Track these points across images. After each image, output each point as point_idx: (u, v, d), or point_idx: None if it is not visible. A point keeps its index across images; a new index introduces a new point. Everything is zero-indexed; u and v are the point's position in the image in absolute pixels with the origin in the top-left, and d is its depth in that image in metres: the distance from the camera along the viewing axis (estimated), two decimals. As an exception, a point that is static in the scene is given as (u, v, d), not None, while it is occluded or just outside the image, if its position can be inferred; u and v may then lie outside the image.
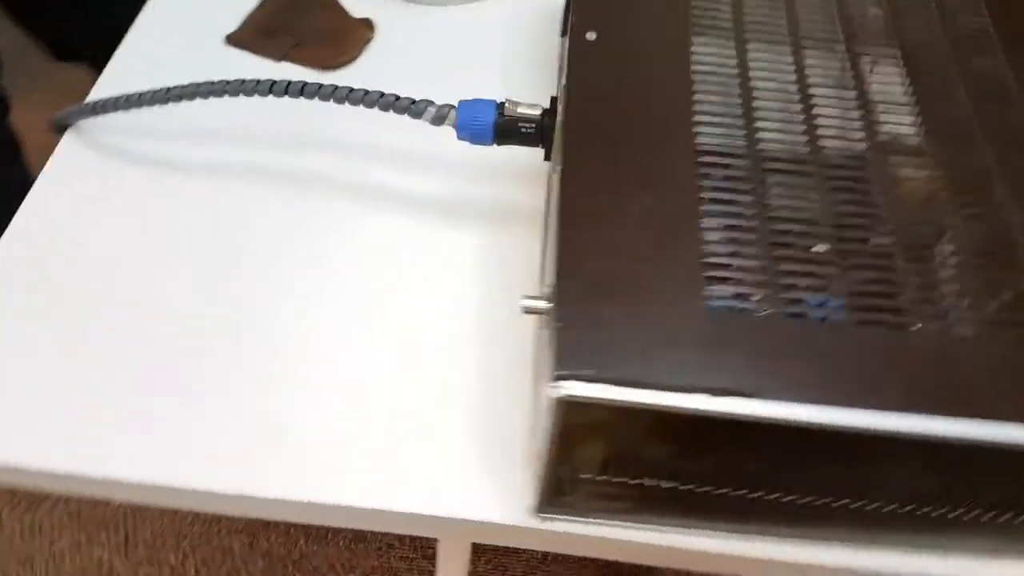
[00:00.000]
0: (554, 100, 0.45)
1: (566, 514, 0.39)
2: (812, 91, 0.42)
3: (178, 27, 0.58)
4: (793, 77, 0.42)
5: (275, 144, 0.53)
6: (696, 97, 0.41)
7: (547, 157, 0.47)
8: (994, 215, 0.37)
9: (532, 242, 0.49)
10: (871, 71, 0.43)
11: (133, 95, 0.48)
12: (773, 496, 0.36)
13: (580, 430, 0.33)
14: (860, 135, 0.40)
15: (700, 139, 0.39)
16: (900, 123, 0.41)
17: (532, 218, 0.50)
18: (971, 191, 0.38)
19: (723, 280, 0.34)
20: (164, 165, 0.51)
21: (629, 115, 0.40)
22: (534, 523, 0.40)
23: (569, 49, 0.41)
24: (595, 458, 0.35)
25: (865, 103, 0.42)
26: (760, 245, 0.36)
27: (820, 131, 0.40)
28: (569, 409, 0.31)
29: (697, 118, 0.40)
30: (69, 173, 0.50)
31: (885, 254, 0.36)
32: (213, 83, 0.46)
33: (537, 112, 0.45)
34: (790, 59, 0.43)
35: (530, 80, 0.58)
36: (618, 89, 0.40)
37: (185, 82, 0.47)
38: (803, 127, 0.40)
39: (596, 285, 0.34)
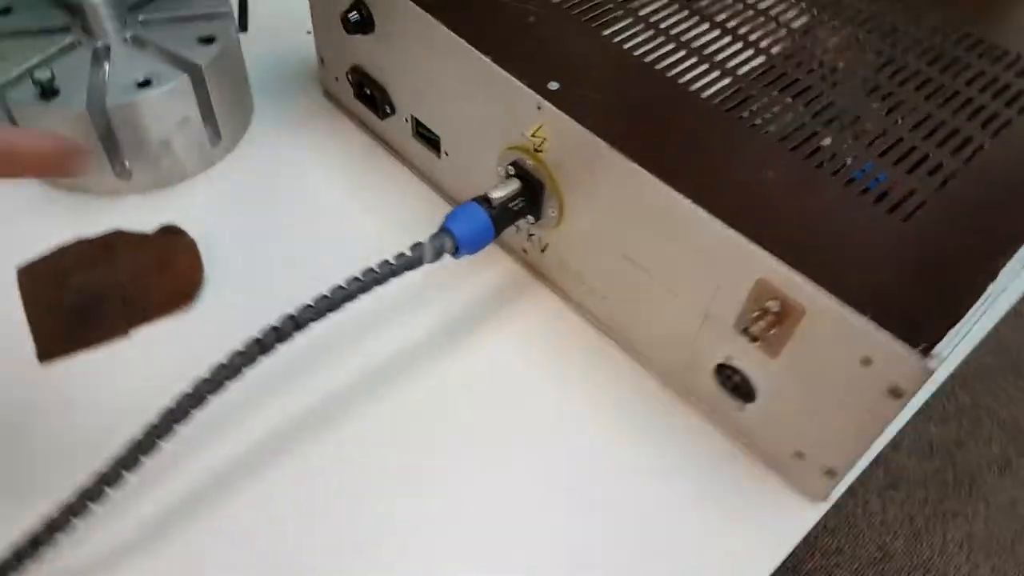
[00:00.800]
0: (517, 164, 0.42)
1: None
2: (716, 17, 0.44)
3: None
4: (687, 12, 0.44)
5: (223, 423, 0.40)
6: (659, 67, 0.41)
7: (537, 218, 0.43)
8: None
9: (540, 300, 0.46)
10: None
11: (74, 505, 0.33)
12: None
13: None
14: (782, 32, 0.44)
15: (706, 95, 0.40)
16: (790, 12, 0.45)
17: (522, 281, 0.47)
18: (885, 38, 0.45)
19: (877, 198, 0.36)
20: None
21: (648, 118, 0.38)
22: (824, 505, 0.40)
23: (554, 104, 0.38)
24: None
25: (755, 9, 0.45)
26: (854, 149, 0.38)
27: (756, 40, 0.43)
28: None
29: (683, 85, 0.40)
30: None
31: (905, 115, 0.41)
32: (175, 410, 0.34)
33: (517, 185, 0.41)
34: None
35: (361, 181, 0.51)
36: (620, 108, 0.39)
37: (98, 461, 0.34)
38: (740, 44, 0.43)
39: (830, 261, 0.33)
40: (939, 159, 0.38)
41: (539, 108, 0.39)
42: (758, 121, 0.39)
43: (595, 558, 0.37)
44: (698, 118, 0.39)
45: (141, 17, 0.50)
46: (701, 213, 0.34)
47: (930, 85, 0.42)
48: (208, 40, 0.48)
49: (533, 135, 0.40)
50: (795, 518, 0.39)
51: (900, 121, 0.40)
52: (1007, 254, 0.34)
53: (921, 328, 0.31)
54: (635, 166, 0.36)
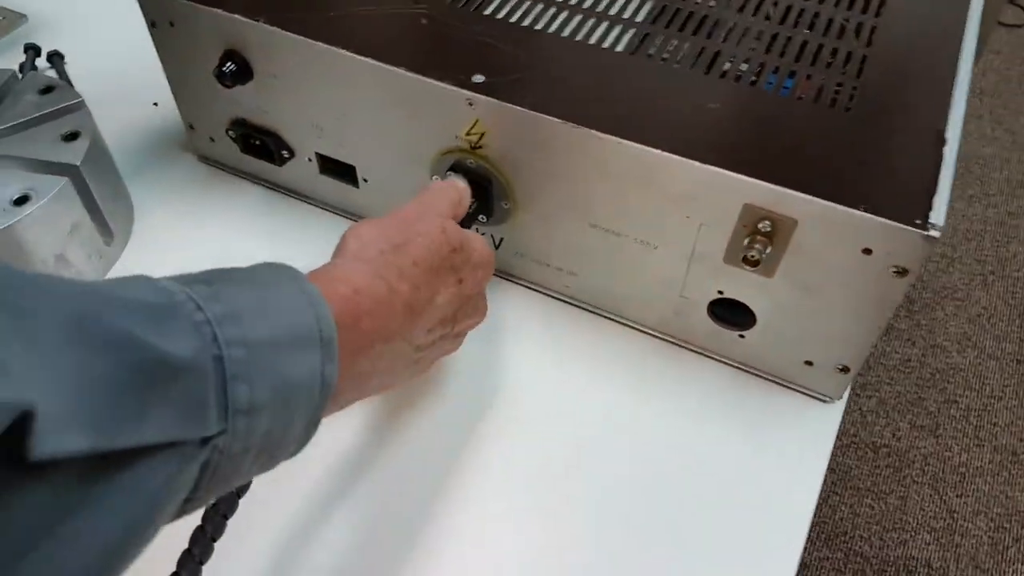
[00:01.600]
0: (457, 166, 0.41)
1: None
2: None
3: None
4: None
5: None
6: (564, 34, 0.41)
7: (489, 216, 0.42)
8: None
9: (509, 295, 0.45)
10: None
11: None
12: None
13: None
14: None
15: (617, 48, 0.40)
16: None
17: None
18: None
19: (814, 97, 0.38)
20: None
21: (576, 84, 0.38)
22: (842, 402, 0.41)
23: (487, 95, 0.37)
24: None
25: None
26: (774, 61, 0.39)
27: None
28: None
29: (593, 45, 0.41)
30: None
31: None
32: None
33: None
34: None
35: (275, 238, 0.48)
36: (548, 81, 0.38)
37: None
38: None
39: (803, 168, 0.34)
40: (846, 49, 0.40)
41: (471, 104, 0.38)
42: (666, 56, 0.40)
43: (669, 505, 0.37)
44: (618, 70, 0.39)
45: (-17, 133, 0.44)
46: (674, 159, 0.35)
47: (804, -13, 0.44)
48: (72, 136, 0.44)
49: (469, 133, 0.39)
50: (822, 420, 0.41)
51: (796, 25, 0.42)
52: (945, 114, 0.36)
53: (911, 205, 0.33)
54: (592, 132, 0.36)
